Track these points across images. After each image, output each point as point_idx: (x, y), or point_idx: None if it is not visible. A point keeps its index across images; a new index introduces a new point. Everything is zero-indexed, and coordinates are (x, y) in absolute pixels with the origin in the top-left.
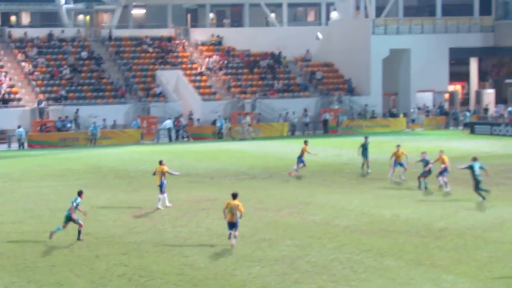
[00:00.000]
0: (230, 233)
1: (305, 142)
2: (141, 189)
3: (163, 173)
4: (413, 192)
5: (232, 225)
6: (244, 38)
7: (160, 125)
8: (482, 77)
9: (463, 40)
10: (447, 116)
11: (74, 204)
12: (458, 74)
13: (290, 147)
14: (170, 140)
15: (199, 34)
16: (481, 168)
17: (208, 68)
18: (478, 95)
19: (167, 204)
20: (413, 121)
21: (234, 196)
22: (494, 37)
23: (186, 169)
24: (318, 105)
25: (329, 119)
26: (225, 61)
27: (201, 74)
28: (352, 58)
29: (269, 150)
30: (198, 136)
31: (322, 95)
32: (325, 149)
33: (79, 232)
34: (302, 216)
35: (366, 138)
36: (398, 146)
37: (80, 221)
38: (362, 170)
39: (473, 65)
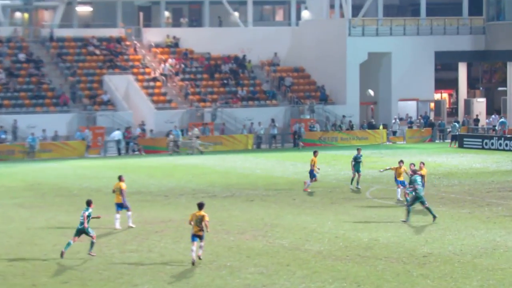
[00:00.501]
0: (193, 249)
1: (315, 153)
2: None
3: (121, 190)
4: (394, 213)
5: (197, 237)
6: (203, 40)
7: (108, 137)
8: (472, 84)
9: (451, 43)
10: (432, 128)
11: (86, 213)
12: (445, 81)
13: (255, 162)
14: (119, 153)
15: (153, 35)
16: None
17: (163, 74)
18: (468, 105)
19: (117, 226)
20: (394, 133)
21: (200, 206)
22: (485, 39)
23: (137, 187)
24: (287, 115)
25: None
26: (182, 65)
27: (154, 79)
28: (325, 62)
29: (231, 165)
30: (150, 150)
31: (291, 103)
32: (295, 165)
33: (92, 244)
34: (268, 240)
35: (358, 150)
36: (400, 162)
37: (93, 233)
38: (352, 185)
39: (462, 71)
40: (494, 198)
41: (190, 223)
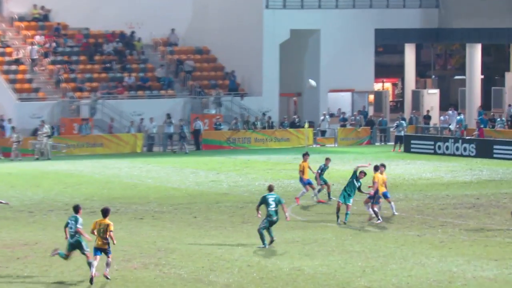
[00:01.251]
0: (91, 263)
1: (304, 156)
2: None
3: None
4: (324, 234)
5: (102, 251)
6: (80, 12)
7: None
8: (422, 71)
9: (395, 19)
10: (371, 126)
11: (79, 226)
12: (388, 67)
13: (146, 169)
14: None
15: (16, 5)
16: (278, 202)
17: (32, 59)
18: (416, 97)
19: None
20: (322, 133)
21: (105, 212)
22: (438, 15)
23: None
24: (187, 109)
25: (202, 129)
26: (53, 44)
27: (17, 62)
28: (236, 42)
29: (115, 173)
30: (11, 152)
31: (193, 94)
32: (196, 173)
33: (90, 264)
34: (161, 269)
35: (327, 160)
36: (382, 166)
37: (88, 250)
38: (330, 201)
39: (409, 55)
40: (449, 217)
41: (93, 233)
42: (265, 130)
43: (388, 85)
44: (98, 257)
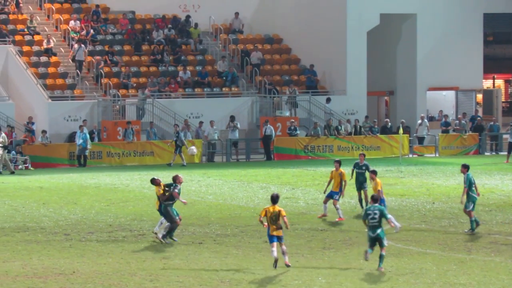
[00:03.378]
0: (273, 249)
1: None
2: None
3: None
4: (421, 263)
5: (277, 238)
6: None
7: None
8: None
9: (509, 1)
10: (480, 133)
11: (389, 216)
12: (501, 61)
13: (206, 183)
14: None
15: None
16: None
17: (79, 62)
18: None
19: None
20: (420, 140)
21: (274, 199)
22: None
23: (20, 219)
24: (255, 110)
25: (274, 135)
26: (92, 31)
27: (49, 52)
28: (314, 29)
29: None
30: (42, 162)
31: (262, 93)
32: (267, 188)
33: (381, 257)
34: None
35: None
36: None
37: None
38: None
39: None
40: None
41: (260, 221)
42: (351, 137)
43: (500, 82)
44: (275, 243)
